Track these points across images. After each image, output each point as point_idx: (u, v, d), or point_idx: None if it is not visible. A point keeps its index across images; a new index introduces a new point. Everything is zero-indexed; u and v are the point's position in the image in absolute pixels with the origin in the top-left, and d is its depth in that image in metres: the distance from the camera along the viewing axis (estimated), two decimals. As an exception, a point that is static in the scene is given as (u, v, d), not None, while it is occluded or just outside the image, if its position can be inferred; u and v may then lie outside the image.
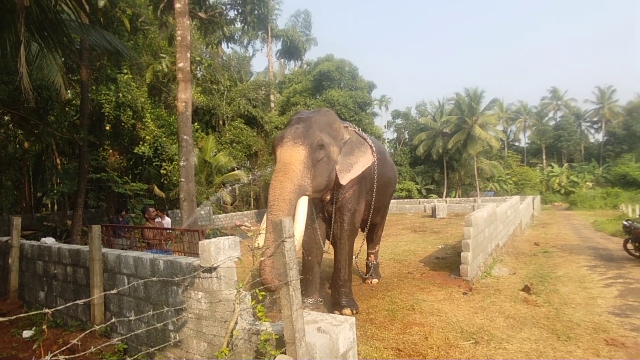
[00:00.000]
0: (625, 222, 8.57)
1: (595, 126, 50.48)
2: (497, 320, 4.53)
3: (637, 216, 9.96)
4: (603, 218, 18.10)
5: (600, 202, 29.72)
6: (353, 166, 4.54)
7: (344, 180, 4.46)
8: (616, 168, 38.70)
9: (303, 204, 3.99)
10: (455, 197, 35.62)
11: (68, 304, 1.36)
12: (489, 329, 4.24)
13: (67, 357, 1.03)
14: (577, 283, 6.35)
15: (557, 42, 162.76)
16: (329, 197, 4.78)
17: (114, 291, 1.64)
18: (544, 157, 48.57)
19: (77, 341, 1.69)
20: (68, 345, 2.18)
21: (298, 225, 3.98)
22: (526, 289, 5.75)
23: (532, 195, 24.30)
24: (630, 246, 8.20)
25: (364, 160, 4.63)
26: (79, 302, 1.33)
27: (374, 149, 4.86)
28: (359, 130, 5.43)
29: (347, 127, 4.83)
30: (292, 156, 3.97)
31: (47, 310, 1.12)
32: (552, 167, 43.51)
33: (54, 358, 1.03)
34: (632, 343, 3.89)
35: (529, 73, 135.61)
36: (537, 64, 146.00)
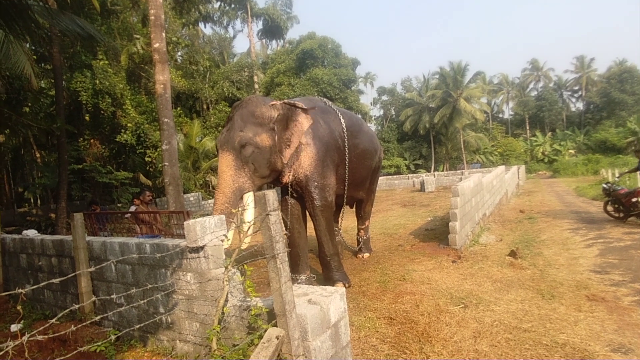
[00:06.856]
0: (604, 185, 8.78)
1: (576, 95, 51.19)
2: (485, 285, 4.65)
3: (617, 179, 10.21)
4: (585, 184, 18.56)
5: (582, 169, 30.44)
6: (291, 140, 4.47)
7: (286, 157, 4.50)
8: (596, 134, 39.54)
9: (250, 199, 4.28)
10: (443, 170, 36.06)
11: (40, 284, 1.32)
12: (477, 293, 4.35)
13: (44, 337, 1.01)
14: (561, 245, 6.55)
15: (537, 13, 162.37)
16: (288, 178, 4.68)
17: (92, 269, 1.60)
18: (527, 128, 49.24)
19: (71, 329, 1.66)
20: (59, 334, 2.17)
21: (247, 218, 4.18)
22: (512, 254, 5.91)
23: (517, 165, 24.72)
24: (610, 208, 8.46)
25: (298, 129, 4.46)
26: (54, 281, 1.29)
27: (309, 110, 4.54)
28: (329, 103, 5.39)
29: (274, 104, 4.55)
30: (222, 163, 4.29)
31: (21, 291, 1.08)
32: (536, 137, 44.19)
33: (31, 338, 1.01)
34: (612, 297, 4.05)
35: (510, 45, 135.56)
36: (517, 36, 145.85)
